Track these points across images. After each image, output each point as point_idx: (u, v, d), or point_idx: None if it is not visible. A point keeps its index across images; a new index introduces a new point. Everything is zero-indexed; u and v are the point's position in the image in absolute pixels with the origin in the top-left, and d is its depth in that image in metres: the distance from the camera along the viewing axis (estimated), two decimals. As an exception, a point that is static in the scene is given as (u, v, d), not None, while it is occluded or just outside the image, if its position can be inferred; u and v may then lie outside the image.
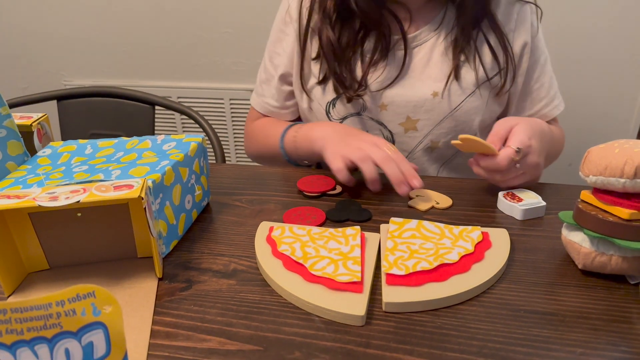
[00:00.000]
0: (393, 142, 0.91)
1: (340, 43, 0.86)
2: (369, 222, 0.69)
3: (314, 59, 0.90)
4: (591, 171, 0.55)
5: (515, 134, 0.72)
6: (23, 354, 0.37)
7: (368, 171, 0.73)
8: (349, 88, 0.87)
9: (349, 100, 0.87)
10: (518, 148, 0.70)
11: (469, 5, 0.83)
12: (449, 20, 0.87)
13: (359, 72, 0.87)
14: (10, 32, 1.83)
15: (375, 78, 0.87)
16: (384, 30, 0.85)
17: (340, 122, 0.91)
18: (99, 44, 1.81)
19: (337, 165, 0.74)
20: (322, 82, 0.90)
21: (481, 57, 0.86)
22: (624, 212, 0.53)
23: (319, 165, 1.00)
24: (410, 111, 0.88)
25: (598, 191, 0.56)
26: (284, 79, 0.97)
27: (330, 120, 0.92)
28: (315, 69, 0.91)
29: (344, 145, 0.77)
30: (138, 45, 1.80)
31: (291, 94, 0.98)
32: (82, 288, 0.37)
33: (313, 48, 0.90)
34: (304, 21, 0.89)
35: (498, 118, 0.92)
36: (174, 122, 1.89)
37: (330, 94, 0.90)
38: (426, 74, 0.87)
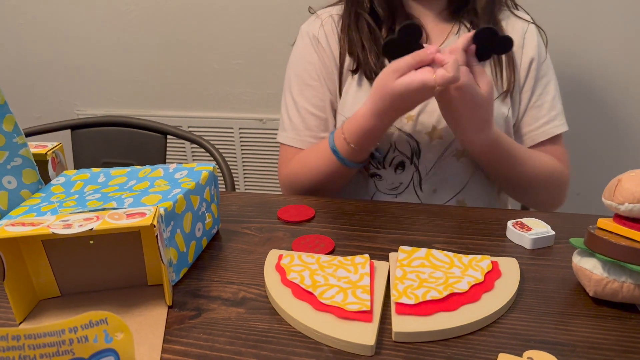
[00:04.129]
0: (419, 151, 0.92)
1: (372, 37, 0.92)
2: (377, 251, 0.69)
3: (352, 71, 0.94)
4: (626, 198, 0.55)
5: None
6: (35, 380, 0.38)
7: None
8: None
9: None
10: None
11: (480, 15, 0.91)
12: (465, 31, 0.93)
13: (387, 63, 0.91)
14: (24, 62, 1.88)
15: None
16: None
17: None
18: (111, 74, 1.85)
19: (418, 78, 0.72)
20: (355, 71, 0.93)
21: (492, 64, 0.91)
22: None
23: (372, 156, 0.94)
24: (435, 121, 0.90)
25: (626, 219, 0.56)
26: (326, 106, 0.97)
27: None
28: (349, 78, 0.95)
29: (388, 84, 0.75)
30: (150, 76, 1.84)
31: (330, 119, 0.98)
32: (95, 315, 0.38)
33: (347, 59, 0.95)
34: (334, 42, 0.95)
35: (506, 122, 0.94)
36: (184, 151, 1.91)
37: (360, 105, 0.86)
38: None
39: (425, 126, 0.91)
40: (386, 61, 0.90)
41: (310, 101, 0.97)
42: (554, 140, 0.95)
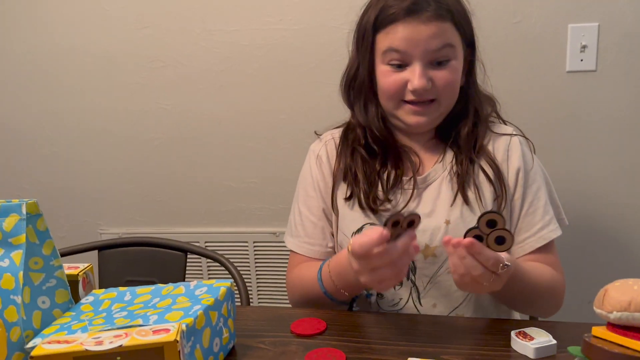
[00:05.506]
0: (415, 268, 0.97)
1: (365, 171, 0.99)
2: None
3: (343, 180, 1.02)
4: (614, 307, 0.59)
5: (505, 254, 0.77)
6: None
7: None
8: (374, 202, 0.97)
9: (376, 212, 0.97)
10: (506, 264, 0.74)
11: (462, 138, 0.98)
12: (450, 156, 1.00)
13: (380, 194, 0.98)
14: (49, 186, 2.01)
15: (395, 204, 0.97)
16: (399, 166, 0.99)
17: None
18: (132, 196, 1.97)
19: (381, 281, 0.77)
20: (349, 199, 1.00)
21: (480, 187, 0.97)
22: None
23: (352, 303, 1.04)
24: (427, 240, 0.96)
25: (617, 327, 0.60)
26: (324, 213, 1.06)
27: None
28: (342, 194, 1.02)
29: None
30: (169, 196, 1.95)
31: (329, 228, 1.06)
32: None
33: (342, 184, 1.03)
34: (333, 161, 1.04)
35: None
36: (201, 264, 1.97)
37: (356, 221, 0.99)
38: (438, 206, 0.97)
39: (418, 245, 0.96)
40: (379, 192, 0.98)
41: (311, 211, 1.06)
42: (548, 245, 0.98)
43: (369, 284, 0.78)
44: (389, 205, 0.97)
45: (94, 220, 2.01)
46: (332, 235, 1.06)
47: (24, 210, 0.72)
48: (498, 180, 0.97)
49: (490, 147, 1.00)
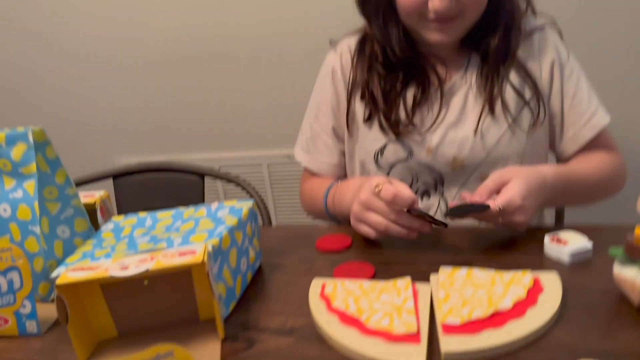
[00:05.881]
0: (442, 181, 0.95)
1: (386, 86, 0.94)
2: (417, 273, 0.70)
3: (361, 99, 0.97)
4: None
5: (506, 192, 0.74)
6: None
7: (395, 232, 0.77)
8: (395, 126, 0.93)
9: (397, 135, 0.93)
10: (500, 208, 0.73)
11: (491, 52, 0.90)
12: (475, 65, 0.93)
13: (402, 114, 0.93)
14: (60, 119, 1.97)
15: (419, 120, 0.93)
16: (424, 79, 0.93)
17: (387, 171, 0.96)
18: (143, 124, 1.93)
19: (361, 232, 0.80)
20: (368, 120, 0.96)
21: (506, 99, 0.91)
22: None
23: None
24: (455, 152, 0.92)
25: None
26: (335, 132, 1.03)
27: (378, 168, 0.97)
28: (359, 112, 0.97)
29: (351, 216, 0.82)
30: (179, 121, 1.91)
31: (340, 147, 1.05)
32: (162, 348, 0.40)
33: (358, 99, 0.97)
34: (350, 73, 0.98)
35: (552, 144, 0.97)
36: (217, 190, 1.96)
37: (377, 141, 0.95)
38: (465, 115, 0.93)
39: (446, 157, 0.93)
40: (401, 113, 0.93)
41: (323, 128, 1.04)
42: (600, 134, 0.93)
43: (354, 215, 0.79)
44: (411, 127, 0.93)
45: (107, 150, 1.99)
46: (343, 153, 1.05)
47: (30, 138, 0.68)
48: (529, 87, 0.91)
49: (520, 51, 0.92)
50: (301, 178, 1.12)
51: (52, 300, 0.65)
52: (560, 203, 0.85)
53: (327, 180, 1.02)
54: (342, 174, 1.08)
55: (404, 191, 0.74)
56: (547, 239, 0.73)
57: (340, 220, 0.96)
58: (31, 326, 0.64)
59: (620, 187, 0.97)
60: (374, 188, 0.75)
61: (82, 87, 1.92)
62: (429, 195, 0.96)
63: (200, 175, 1.19)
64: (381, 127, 0.94)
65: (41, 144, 0.70)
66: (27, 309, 0.64)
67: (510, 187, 0.74)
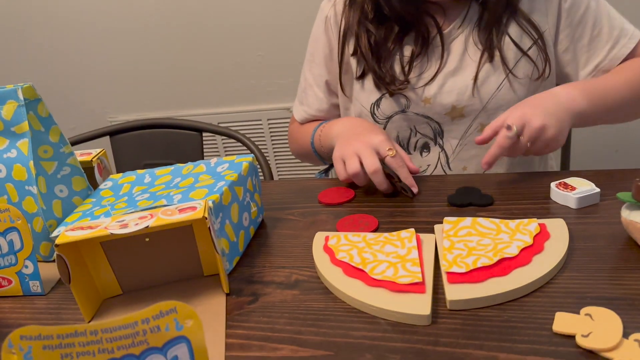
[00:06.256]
0: (442, 133, 0.93)
1: (377, 42, 0.90)
2: (421, 224, 0.69)
3: (352, 55, 0.94)
4: None
5: (501, 118, 0.76)
6: (115, 371, 0.40)
7: (358, 181, 0.80)
8: (389, 84, 0.90)
9: (392, 94, 0.90)
10: (507, 125, 0.73)
11: (491, 6, 0.86)
12: (474, 13, 0.89)
13: (397, 69, 0.90)
14: (53, 76, 1.93)
15: (416, 74, 0.90)
16: (422, 29, 0.88)
17: (385, 124, 0.95)
18: (138, 79, 1.89)
19: (337, 167, 0.82)
20: (361, 77, 0.94)
21: (505, 46, 0.87)
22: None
23: None
24: (454, 100, 0.90)
25: None
26: (327, 85, 1.01)
27: (375, 121, 0.94)
28: (353, 66, 0.95)
29: (347, 146, 0.81)
30: (174, 77, 1.87)
31: (331, 100, 1.03)
32: (164, 305, 0.40)
33: (351, 49, 0.94)
34: (341, 23, 0.94)
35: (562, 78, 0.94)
36: (217, 146, 1.94)
37: (372, 94, 0.93)
38: (464, 63, 0.89)
39: (444, 107, 0.90)
40: (396, 69, 0.90)
41: (315, 80, 1.02)
42: (631, 53, 0.88)
43: (353, 148, 0.80)
44: (406, 84, 0.90)
45: (102, 108, 1.96)
46: (335, 106, 1.04)
47: (20, 96, 0.66)
48: (531, 38, 0.87)
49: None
50: (290, 122, 1.13)
51: (54, 260, 0.65)
52: (590, 118, 0.81)
53: (316, 122, 1.03)
54: None
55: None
56: (553, 185, 0.72)
57: (324, 157, 0.98)
58: (35, 286, 0.64)
59: None
60: (387, 150, 0.78)
61: (77, 43, 1.87)
62: (428, 150, 0.94)
63: (198, 131, 1.17)
64: (376, 84, 0.92)
65: (32, 102, 0.68)
66: (29, 269, 0.64)
67: (504, 114, 0.76)
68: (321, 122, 0.99)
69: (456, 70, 0.90)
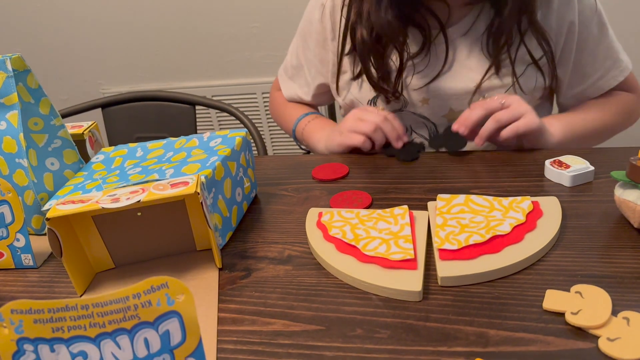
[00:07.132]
0: (437, 132, 0.92)
1: (375, 41, 0.85)
2: (414, 201, 0.69)
3: (347, 55, 0.92)
4: None
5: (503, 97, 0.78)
6: (106, 345, 0.40)
7: (379, 136, 0.83)
8: (385, 89, 0.88)
9: (388, 101, 0.90)
10: (484, 95, 0.78)
11: (505, 7, 0.80)
12: (487, 16, 0.85)
13: (394, 69, 0.87)
14: (44, 46, 1.90)
15: (416, 73, 0.87)
16: (423, 26, 0.85)
17: None
18: (131, 51, 1.86)
19: (350, 142, 0.85)
20: (356, 78, 0.92)
21: (516, 56, 0.84)
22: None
23: None
24: (452, 103, 0.88)
25: None
26: (318, 72, 1.00)
27: None
28: (348, 65, 0.92)
29: (338, 134, 0.86)
30: (168, 48, 1.84)
31: (321, 87, 1.02)
32: (156, 280, 0.39)
33: (347, 46, 0.91)
34: (340, 22, 0.90)
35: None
36: (210, 120, 1.93)
37: (369, 93, 0.92)
38: (467, 67, 0.87)
39: (441, 108, 0.89)
40: (391, 78, 0.88)
41: (306, 62, 1.01)
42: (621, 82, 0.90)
43: (348, 127, 0.85)
44: (403, 90, 0.89)
45: (94, 79, 1.94)
46: (326, 90, 1.03)
47: (9, 67, 0.65)
48: (542, 49, 0.84)
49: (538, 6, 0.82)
50: (272, 86, 1.14)
51: (46, 234, 0.65)
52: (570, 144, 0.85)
53: (302, 108, 1.03)
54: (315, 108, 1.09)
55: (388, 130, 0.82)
56: (547, 162, 0.72)
57: (303, 146, 1.01)
58: (27, 259, 0.64)
59: (635, 120, 0.95)
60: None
61: (68, 11, 1.83)
62: (423, 149, 0.92)
63: (191, 104, 1.16)
64: (372, 85, 0.90)
65: (21, 73, 0.66)
66: (21, 242, 0.63)
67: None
68: (306, 114, 1.00)
69: (458, 74, 0.87)
